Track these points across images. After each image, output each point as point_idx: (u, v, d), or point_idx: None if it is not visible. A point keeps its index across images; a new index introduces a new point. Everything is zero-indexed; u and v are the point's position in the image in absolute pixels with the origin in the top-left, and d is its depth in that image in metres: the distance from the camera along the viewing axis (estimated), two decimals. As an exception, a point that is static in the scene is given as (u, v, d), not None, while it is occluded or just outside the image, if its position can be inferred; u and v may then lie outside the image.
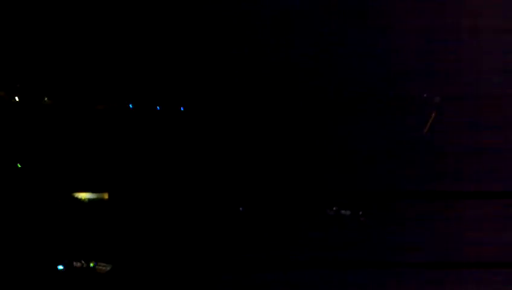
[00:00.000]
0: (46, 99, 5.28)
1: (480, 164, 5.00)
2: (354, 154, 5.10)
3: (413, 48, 5.08)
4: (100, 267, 5.06)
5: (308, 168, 5.12)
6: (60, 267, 5.04)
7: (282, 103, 5.18)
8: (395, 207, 5.04)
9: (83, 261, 5.10)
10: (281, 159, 5.14)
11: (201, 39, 5.24)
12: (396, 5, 5.01)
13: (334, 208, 5.12)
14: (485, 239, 4.92)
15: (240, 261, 5.07)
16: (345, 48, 5.11)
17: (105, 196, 5.26)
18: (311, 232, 5.09)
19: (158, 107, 5.26)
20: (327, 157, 5.10)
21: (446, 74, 5.07)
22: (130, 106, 5.28)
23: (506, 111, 5.04)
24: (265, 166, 5.17)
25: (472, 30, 5.05)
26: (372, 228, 5.02)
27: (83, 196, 5.26)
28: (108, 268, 5.07)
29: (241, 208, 5.15)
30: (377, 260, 4.96)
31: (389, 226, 5.06)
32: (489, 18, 4.99)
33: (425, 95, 5.22)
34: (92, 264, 5.04)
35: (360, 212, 5.10)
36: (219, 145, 5.22)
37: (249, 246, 5.10)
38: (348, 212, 5.12)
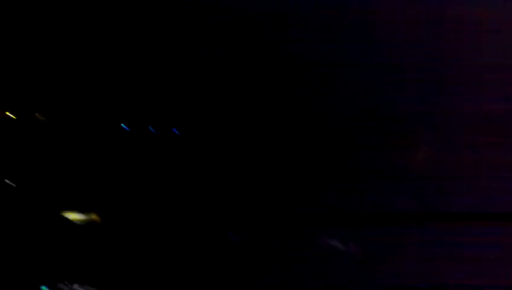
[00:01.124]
0: (37, 114, 5.21)
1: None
2: (348, 174, 5.00)
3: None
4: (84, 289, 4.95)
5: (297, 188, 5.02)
6: (44, 288, 4.94)
7: (271, 123, 5.10)
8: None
9: (67, 283, 5.00)
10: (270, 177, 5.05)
11: (194, 62, 5.19)
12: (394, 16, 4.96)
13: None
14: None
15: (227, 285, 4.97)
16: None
17: (94, 216, 5.16)
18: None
19: (150, 128, 5.18)
20: (315, 177, 5.00)
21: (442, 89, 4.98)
22: (122, 125, 5.20)
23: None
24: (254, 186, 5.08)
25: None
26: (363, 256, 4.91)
27: (72, 216, 5.16)
28: (93, 291, 4.96)
29: (230, 233, 5.04)
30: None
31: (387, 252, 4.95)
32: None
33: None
34: (76, 287, 4.93)
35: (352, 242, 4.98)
36: (212, 166, 5.14)
37: (237, 270, 5.00)
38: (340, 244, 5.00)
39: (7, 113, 5.17)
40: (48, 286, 4.96)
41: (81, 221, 5.15)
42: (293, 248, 4.94)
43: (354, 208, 4.93)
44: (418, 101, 4.93)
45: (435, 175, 4.92)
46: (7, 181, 5.10)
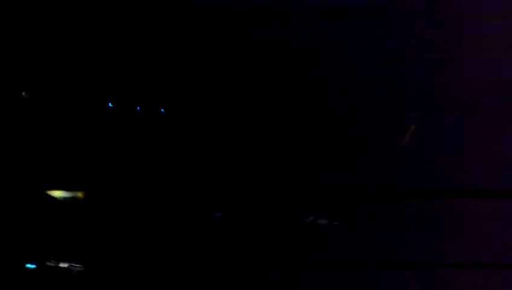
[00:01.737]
0: (23, 93, 5.18)
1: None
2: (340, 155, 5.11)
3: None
4: (74, 267, 4.98)
5: (288, 167, 5.11)
6: (31, 266, 4.95)
7: (264, 105, 5.16)
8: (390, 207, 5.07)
9: (55, 261, 5.02)
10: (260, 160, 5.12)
11: (183, 41, 5.20)
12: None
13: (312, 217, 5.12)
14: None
15: (217, 264, 5.05)
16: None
17: (80, 194, 5.18)
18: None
19: (138, 108, 5.20)
20: (309, 157, 5.10)
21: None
22: (109, 104, 5.20)
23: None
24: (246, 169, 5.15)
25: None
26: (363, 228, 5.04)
27: (57, 194, 5.17)
28: (81, 269, 5.00)
29: (219, 213, 5.11)
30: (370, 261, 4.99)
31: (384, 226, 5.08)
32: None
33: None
34: (65, 265, 4.96)
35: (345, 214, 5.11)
36: (199, 146, 5.18)
37: (227, 249, 5.08)
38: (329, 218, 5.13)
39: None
40: (34, 264, 4.97)
41: (66, 199, 5.16)
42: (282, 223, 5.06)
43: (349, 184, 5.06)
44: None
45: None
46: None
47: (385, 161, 5.07)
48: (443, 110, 5.07)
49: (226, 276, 5.04)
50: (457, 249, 5.03)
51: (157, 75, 5.19)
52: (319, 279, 5.05)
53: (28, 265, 4.97)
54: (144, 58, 5.18)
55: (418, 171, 5.13)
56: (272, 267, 5.05)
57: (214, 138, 5.13)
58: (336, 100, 5.07)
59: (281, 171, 5.12)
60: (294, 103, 5.12)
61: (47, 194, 5.17)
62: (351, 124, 5.09)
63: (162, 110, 5.18)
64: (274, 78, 5.13)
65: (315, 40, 5.02)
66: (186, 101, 5.16)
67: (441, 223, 5.05)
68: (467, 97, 5.05)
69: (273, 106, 5.13)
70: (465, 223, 5.00)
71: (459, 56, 5.07)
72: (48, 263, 5.01)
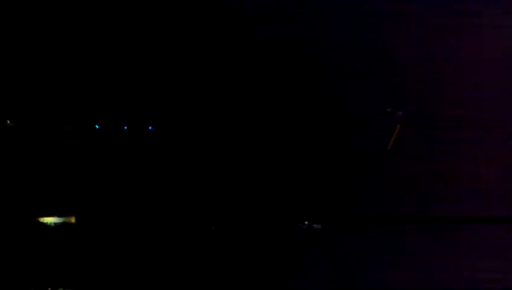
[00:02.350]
0: (8, 122, 5.13)
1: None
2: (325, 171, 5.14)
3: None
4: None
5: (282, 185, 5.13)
6: (27, 294, 4.87)
7: (258, 117, 5.19)
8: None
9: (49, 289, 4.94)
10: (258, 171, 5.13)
11: (172, 57, 5.22)
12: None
13: (306, 223, 5.13)
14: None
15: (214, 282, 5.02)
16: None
17: (72, 220, 5.12)
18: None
19: (126, 127, 5.18)
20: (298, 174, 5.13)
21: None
22: (96, 126, 5.18)
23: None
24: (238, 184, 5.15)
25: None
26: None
27: (49, 220, 5.10)
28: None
29: (213, 227, 5.09)
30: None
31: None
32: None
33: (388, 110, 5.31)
34: (63, 290, 4.89)
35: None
36: (188, 166, 5.17)
37: (222, 265, 5.05)
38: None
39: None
40: (30, 292, 4.89)
41: (57, 224, 5.10)
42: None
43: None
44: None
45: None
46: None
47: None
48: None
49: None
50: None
51: (143, 95, 5.20)
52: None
53: (24, 294, 4.88)
54: (130, 76, 5.18)
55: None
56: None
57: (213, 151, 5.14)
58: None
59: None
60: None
61: (38, 221, 5.10)
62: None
63: (151, 128, 5.17)
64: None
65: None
66: (181, 124, 5.15)
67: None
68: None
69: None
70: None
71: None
72: (44, 290, 4.93)
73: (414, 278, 5.03)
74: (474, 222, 5.05)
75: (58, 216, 5.11)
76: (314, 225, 5.10)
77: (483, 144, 5.06)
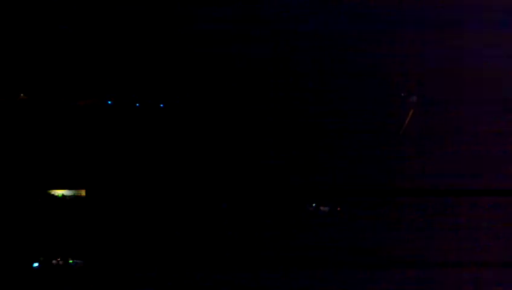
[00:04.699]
0: (22, 95, 5.20)
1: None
2: (336, 152, 5.14)
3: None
4: (77, 264, 4.96)
5: (292, 165, 5.14)
6: (35, 264, 4.93)
7: (263, 100, 5.21)
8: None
9: (59, 259, 5.00)
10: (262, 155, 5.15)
11: (182, 37, 5.25)
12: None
13: (314, 205, 5.14)
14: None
15: (220, 259, 5.04)
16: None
17: (83, 192, 5.18)
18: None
19: (138, 104, 5.23)
20: (310, 154, 5.14)
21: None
22: (109, 102, 5.23)
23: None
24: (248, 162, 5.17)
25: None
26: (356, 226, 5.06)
27: (60, 192, 5.17)
28: (84, 265, 4.98)
29: (224, 205, 5.12)
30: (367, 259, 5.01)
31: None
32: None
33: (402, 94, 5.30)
34: (70, 261, 4.94)
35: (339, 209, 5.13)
36: (199, 142, 5.20)
37: (231, 242, 5.07)
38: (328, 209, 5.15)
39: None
40: (40, 263, 4.95)
41: (68, 197, 5.16)
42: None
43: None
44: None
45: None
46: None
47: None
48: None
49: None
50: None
51: (155, 73, 5.23)
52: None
53: (32, 264, 4.95)
54: (143, 55, 5.22)
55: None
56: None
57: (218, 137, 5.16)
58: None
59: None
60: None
61: (49, 193, 5.17)
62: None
63: (163, 106, 5.21)
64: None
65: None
66: (193, 102, 5.17)
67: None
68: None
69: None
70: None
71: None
72: (51, 261, 4.98)
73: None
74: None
75: (69, 189, 5.17)
76: (321, 207, 5.11)
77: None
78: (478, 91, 5.30)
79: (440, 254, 5.00)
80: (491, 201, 5.11)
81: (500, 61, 5.27)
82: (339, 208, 5.11)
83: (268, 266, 4.97)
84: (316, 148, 5.17)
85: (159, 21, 5.21)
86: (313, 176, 5.13)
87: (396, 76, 5.31)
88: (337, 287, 4.89)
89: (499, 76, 5.26)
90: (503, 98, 5.24)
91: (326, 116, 5.22)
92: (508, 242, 5.01)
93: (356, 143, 5.20)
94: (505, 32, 5.32)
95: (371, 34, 5.29)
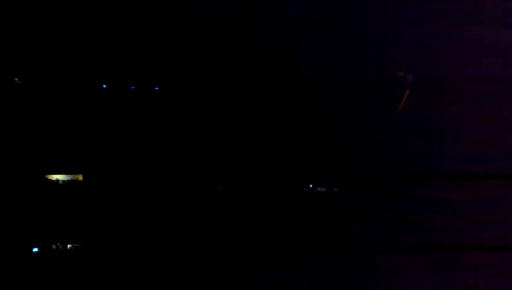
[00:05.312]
0: (16, 79, 5.19)
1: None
2: (331, 135, 5.13)
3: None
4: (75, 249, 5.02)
5: (285, 149, 5.14)
6: (35, 249, 4.98)
7: (258, 82, 5.18)
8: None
9: (58, 244, 5.05)
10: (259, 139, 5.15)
11: (176, 20, 5.21)
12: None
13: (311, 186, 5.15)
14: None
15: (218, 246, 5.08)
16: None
17: (80, 177, 5.21)
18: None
19: (132, 87, 5.21)
20: (303, 139, 5.13)
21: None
22: (104, 86, 5.22)
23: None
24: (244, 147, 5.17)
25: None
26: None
27: (57, 177, 5.19)
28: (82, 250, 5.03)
29: (218, 188, 5.14)
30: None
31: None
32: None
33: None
34: (69, 246, 5.00)
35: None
36: (195, 126, 5.20)
37: (227, 228, 5.11)
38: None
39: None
40: (39, 248, 5.01)
41: (66, 182, 5.19)
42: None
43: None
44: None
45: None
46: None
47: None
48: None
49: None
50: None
51: (149, 56, 5.21)
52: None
53: (32, 248, 5.01)
54: (136, 37, 5.19)
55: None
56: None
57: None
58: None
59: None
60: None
61: (46, 178, 5.20)
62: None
63: (158, 89, 5.20)
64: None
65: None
66: (187, 86, 5.16)
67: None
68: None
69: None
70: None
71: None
72: (50, 246, 5.04)
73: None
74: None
75: (67, 174, 5.20)
76: (318, 188, 5.13)
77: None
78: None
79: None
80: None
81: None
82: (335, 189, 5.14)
83: (264, 251, 5.03)
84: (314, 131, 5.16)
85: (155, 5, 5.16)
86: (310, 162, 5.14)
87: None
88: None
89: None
90: None
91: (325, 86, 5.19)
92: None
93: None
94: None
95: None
